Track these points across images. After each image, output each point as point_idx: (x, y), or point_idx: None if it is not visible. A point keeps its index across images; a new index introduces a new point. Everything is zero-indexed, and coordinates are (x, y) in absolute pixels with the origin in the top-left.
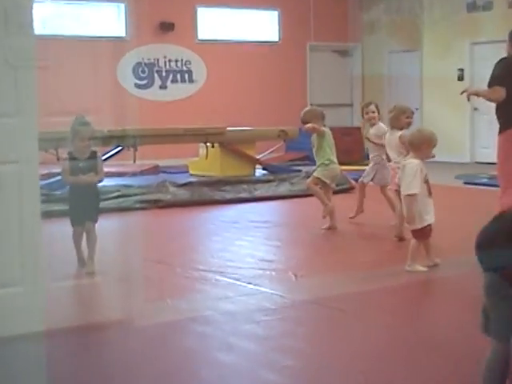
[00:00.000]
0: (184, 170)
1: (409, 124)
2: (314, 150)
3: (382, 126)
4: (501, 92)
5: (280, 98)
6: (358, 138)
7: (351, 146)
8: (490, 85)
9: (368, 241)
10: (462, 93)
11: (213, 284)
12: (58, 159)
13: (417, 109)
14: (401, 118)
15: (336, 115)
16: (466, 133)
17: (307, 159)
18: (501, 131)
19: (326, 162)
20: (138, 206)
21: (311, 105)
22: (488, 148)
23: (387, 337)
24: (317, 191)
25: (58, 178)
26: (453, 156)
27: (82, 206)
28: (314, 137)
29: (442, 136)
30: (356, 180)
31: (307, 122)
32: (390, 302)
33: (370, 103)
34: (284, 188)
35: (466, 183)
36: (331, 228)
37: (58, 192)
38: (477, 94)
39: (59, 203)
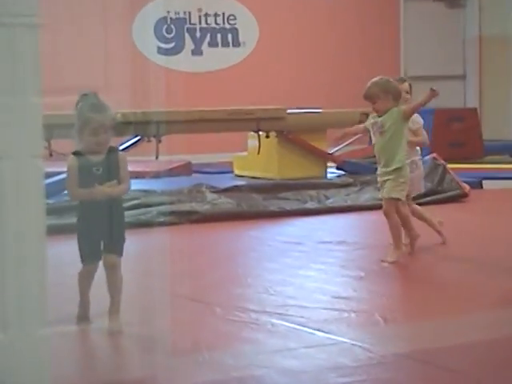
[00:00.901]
0: (227, 170)
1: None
2: (378, 147)
3: (417, 117)
4: None
5: (362, 68)
6: (474, 123)
7: (465, 136)
8: None
9: (486, 271)
10: None
11: (268, 331)
12: (51, 154)
13: None
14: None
15: (442, 92)
16: None
17: None
18: None
19: (399, 165)
20: (163, 219)
21: (401, 78)
22: None
23: None
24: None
25: (49, 180)
26: None
27: (100, 231)
28: (387, 120)
29: None
30: (470, 184)
31: (373, 100)
32: None
33: (404, 80)
34: (368, 195)
35: None
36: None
37: (50, 201)
38: None
39: (52, 215)
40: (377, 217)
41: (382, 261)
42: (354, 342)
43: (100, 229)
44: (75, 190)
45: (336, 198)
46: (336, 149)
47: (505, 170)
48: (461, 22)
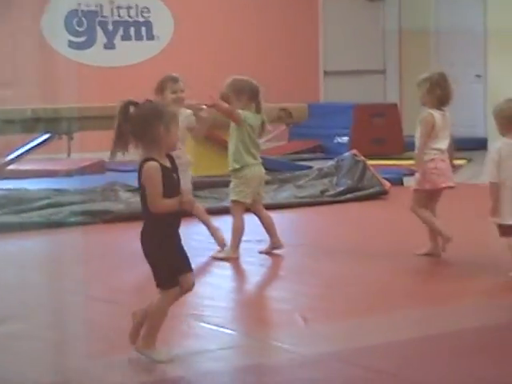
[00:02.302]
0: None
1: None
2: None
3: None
4: None
5: (281, 63)
6: (395, 119)
7: (385, 132)
8: None
9: (408, 270)
10: None
11: (184, 332)
12: None
13: (478, 76)
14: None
15: (362, 87)
16: None
17: (319, 150)
18: None
19: (236, 166)
20: (75, 219)
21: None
22: None
23: None
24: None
25: None
26: None
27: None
28: (232, 125)
29: None
30: (391, 181)
31: (226, 100)
32: (447, 355)
33: (177, 79)
34: (287, 193)
35: None
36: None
37: None
38: None
39: None
40: (296, 215)
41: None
42: (273, 343)
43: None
44: (162, 202)
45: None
46: None
47: None
48: (380, 15)
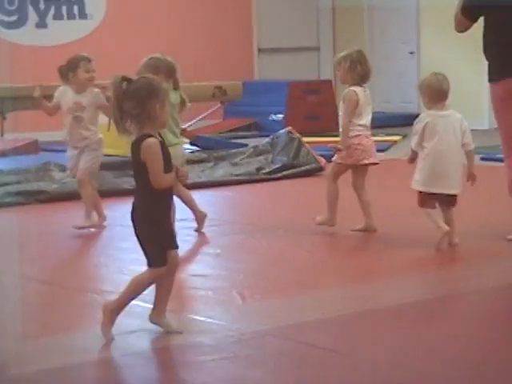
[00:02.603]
0: None
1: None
2: None
3: None
4: (462, 24)
5: (215, 41)
6: (329, 95)
7: (320, 109)
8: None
9: (341, 247)
10: None
11: (123, 312)
12: None
13: (411, 53)
14: None
15: (297, 64)
16: (484, 89)
17: (254, 128)
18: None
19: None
20: (9, 200)
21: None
22: None
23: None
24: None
25: None
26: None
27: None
28: None
29: (450, 92)
30: (326, 158)
31: None
32: (382, 330)
33: (90, 59)
34: (223, 171)
35: (483, 159)
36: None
37: None
38: None
39: None
40: (232, 193)
41: None
42: (211, 320)
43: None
44: (164, 177)
45: (190, 175)
46: (189, 124)
47: None
48: None
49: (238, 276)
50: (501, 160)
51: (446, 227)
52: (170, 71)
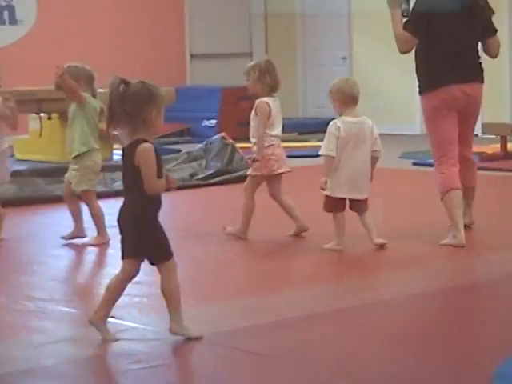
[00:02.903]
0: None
1: None
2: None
3: None
4: (410, 44)
5: (147, 47)
6: None
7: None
8: (404, 26)
9: (280, 252)
10: None
11: (56, 319)
12: None
13: (344, 58)
14: None
15: (229, 70)
16: (415, 94)
17: (187, 133)
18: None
19: (84, 149)
20: None
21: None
22: None
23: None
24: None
25: None
26: (397, 126)
27: None
28: (72, 107)
29: (381, 97)
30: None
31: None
32: (318, 335)
33: None
34: None
35: (415, 164)
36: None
37: None
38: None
39: None
40: (165, 199)
41: None
42: (146, 327)
43: None
44: (157, 182)
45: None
46: None
47: (295, 149)
48: None
49: None
50: (432, 165)
51: (340, 247)
52: (89, 79)
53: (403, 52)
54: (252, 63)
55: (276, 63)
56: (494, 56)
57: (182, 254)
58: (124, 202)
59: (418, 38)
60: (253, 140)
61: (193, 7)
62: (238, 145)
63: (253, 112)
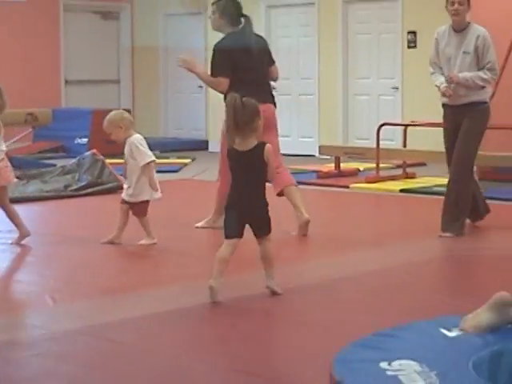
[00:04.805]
0: None
1: None
2: None
3: None
4: (225, 84)
5: (26, 72)
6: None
7: None
8: (213, 73)
9: (144, 254)
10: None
11: None
12: None
13: (200, 87)
14: None
15: (100, 94)
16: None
17: (62, 150)
18: None
19: None
20: None
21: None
22: (289, 136)
23: (175, 370)
24: None
25: None
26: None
27: None
28: None
29: None
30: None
31: None
32: (183, 328)
33: None
34: (34, 188)
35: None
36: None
37: None
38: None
39: None
40: (42, 207)
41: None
42: (26, 320)
43: None
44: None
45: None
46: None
47: (157, 165)
48: (115, 32)
49: (49, 281)
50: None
51: (117, 239)
52: None
53: (221, 91)
54: None
55: (141, 90)
56: (275, 80)
57: (59, 256)
58: (250, 193)
59: (227, 77)
60: None
61: (68, 38)
62: (108, 160)
63: None
